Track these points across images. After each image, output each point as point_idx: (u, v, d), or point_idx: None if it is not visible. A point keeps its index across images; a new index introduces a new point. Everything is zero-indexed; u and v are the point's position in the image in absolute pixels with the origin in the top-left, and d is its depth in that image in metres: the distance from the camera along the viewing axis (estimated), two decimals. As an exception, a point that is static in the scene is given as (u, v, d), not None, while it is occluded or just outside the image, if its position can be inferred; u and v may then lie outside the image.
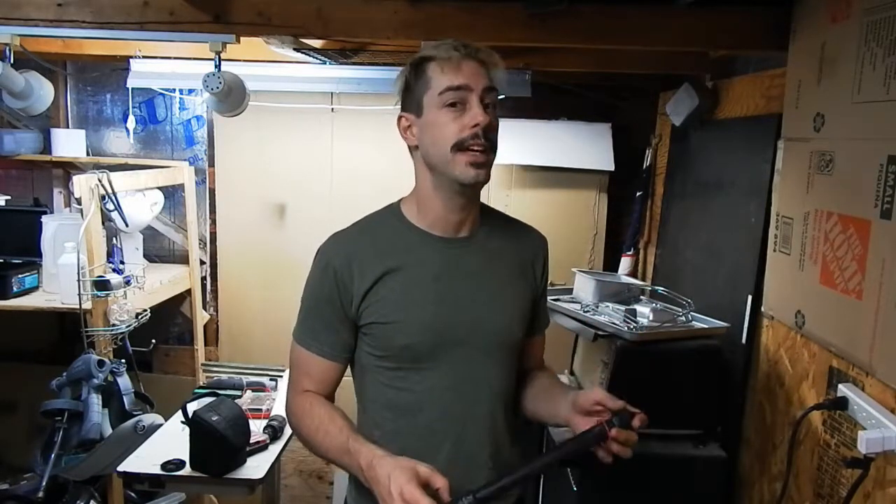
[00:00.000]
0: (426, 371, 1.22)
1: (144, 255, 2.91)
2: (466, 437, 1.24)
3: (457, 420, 1.23)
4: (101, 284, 2.32)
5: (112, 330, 2.38)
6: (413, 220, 1.27)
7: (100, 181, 2.34)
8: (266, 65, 2.63)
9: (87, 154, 3.00)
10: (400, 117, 1.26)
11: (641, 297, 2.13)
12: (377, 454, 1.09)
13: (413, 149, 1.26)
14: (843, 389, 1.36)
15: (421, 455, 1.19)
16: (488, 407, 1.26)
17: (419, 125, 1.22)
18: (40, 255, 2.56)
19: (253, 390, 2.45)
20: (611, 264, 2.89)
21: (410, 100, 1.23)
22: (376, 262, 1.22)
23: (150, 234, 3.02)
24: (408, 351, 1.21)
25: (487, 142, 1.18)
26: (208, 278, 3.11)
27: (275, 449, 2.06)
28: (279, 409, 2.22)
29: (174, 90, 2.94)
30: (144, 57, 2.64)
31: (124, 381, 2.38)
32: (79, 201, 2.33)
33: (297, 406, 1.27)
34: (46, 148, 2.94)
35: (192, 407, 1.97)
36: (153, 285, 2.69)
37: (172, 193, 3.03)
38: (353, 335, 1.26)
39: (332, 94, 2.86)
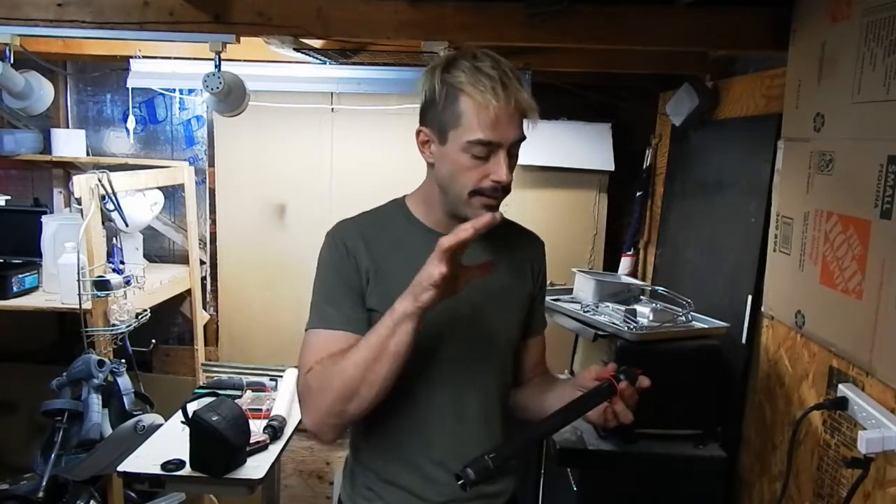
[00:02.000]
0: (421, 366, 1.22)
1: (144, 255, 2.91)
2: (461, 434, 1.24)
3: (452, 418, 1.24)
4: (101, 284, 2.32)
5: (112, 330, 2.38)
6: (418, 216, 1.27)
7: (100, 181, 2.34)
8: (266, 65, 2.63)
9: (87, 154, 3.00)
10: (419, 131, 1.21)
11: (641, 297, 2.13)
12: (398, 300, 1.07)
13: (429, 164, 1.23)
14: (843, 389, 1.36)
15: (415, 451, 1.23)
16: (483, 405, 1.27)
17: (439, 151, 1.18)
18: (40, 255, 2.56)
19: (253, 390, 2.45)
20: (611, 264, 2.89)
21: (434, 118, 1.17)
22: (380, 248, 1.23)
23: (150, 234, 3.02)
24: None
25: (504, 193, 1.18)
26: (208, 278, 3.11)
27: (275, 449, 2.06)
28: (279, 409, 2.22)
29: (174, 90, 2.94)
30: (144, 57, 2.64)
31: (124, 381, 2.38)
32: (79, 201, 2.33)
33: (314, 373, 1.14)
34: (46, 148, 2.94)
35: (192, 407, 1.97)
36: (153, 285, 2.69)
37: (172, 193, 3.03)
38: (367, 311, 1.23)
39: (332, 94, 2.86)
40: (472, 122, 1.12)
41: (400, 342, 1.06)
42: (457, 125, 1.14)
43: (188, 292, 3.01)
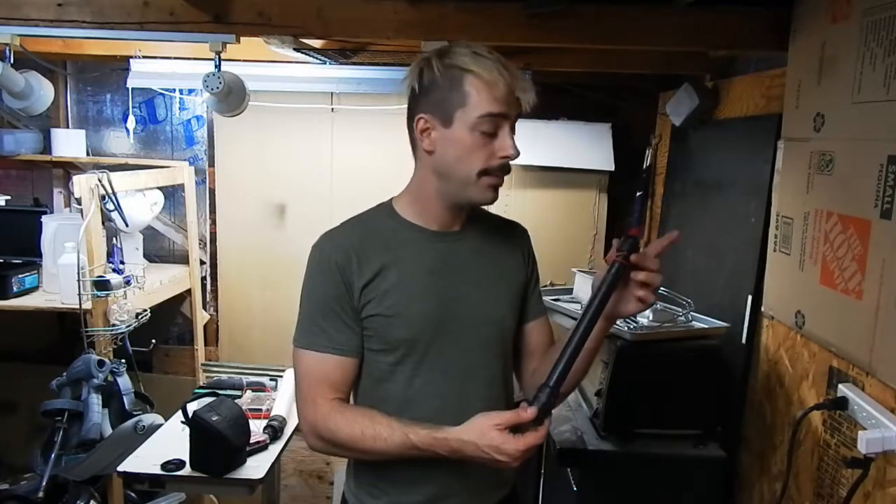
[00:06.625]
0: (424, 363, 1.23)
1: (144, 255, 2.91)
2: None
3: (455, 411, 1.23)
4: (101, 284, 2.32)
5: (112, 330, 2.38)
6: (406, 217, 1.28)
7: (100, 181, 2.34)
8: (266, 65, 2.63)
9: (87, 154, 3.01)
10: (419, 118, 1.20)
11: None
12: (451, 438, 1.12)
13: (426, 153, 1.22)
14: (843, 389, 1.36)
15: None
16: (486, 398, 1.27)
17: (443, 135, 1.19)
18: (40, 255, 2.56)
19: (253, 390, 2.45)
20: (611, 264, 2.88)
21: (436, 104, 1.18)
22: (373, 256, 1.23)
23: (150, 234, 3.02)
24: (407, 344, 1.22)
25: (507, 171, 1.23)
26: (208, 278, 3.12)
27: (275, 449, 2.06)
28: (279, 409, 2.22)
29: (174, 90, 2.94)
30: (144, 57, 2.64)
31: (124, 381, 2.39)
32: (79, 201, 2.34)
33: (326, 421, 1.20)
34: (46, 148, 2.94)
35: (192, 407, 1.97)
36: (153, 285, 2.70)
37: (172, 193, 3.03)
38: (360, 328, 1.24)
39: (332, 94, 2.87)
40: (482, 98, 1.16)
41: (401, 453, 1.17)
42: (464, 104, 1.17)
43: (188, 292, 3.01)
